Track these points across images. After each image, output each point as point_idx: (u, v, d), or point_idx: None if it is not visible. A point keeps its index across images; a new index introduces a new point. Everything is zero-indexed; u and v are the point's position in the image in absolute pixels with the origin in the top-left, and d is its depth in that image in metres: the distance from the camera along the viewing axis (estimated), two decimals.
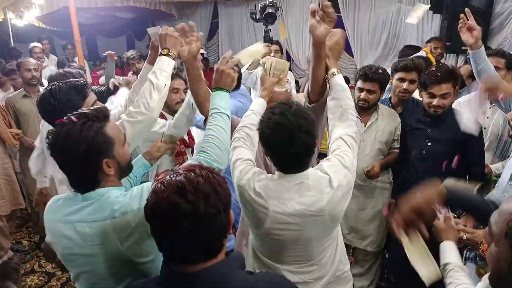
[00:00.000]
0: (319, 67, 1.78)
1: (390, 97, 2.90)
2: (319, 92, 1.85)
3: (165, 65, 1.73)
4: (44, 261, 3.56)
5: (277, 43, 3.87)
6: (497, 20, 4.38)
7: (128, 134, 1.61)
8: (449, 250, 1.47)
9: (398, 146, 2.65)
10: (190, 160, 1.45)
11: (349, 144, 1.62)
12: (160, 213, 0.98)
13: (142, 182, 1.52)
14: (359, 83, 2.54)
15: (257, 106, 1.84)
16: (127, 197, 1.27)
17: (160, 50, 1.77)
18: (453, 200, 1.40)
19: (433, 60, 3.60)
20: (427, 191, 1.39)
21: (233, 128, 1.72)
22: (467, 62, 3.16)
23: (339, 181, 1.52)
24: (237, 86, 2.88)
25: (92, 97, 1.88)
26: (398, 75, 2.74)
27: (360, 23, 5.96)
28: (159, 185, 1.01)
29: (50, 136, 1.27)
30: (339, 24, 6.26)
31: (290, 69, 2.32)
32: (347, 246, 2.80)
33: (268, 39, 2.96)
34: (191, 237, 0.98)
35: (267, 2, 2.48)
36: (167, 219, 0.98)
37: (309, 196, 1.49)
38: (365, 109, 2.59)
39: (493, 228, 0.95)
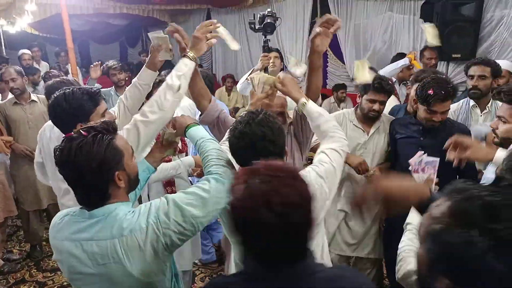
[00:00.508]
0: (318, 75, 1.99)
1: (406, 105, 2.95)
2: (315, 99, 1.94)
3: (182, 66, 1.74)
4: (35, 270, 3.52)
5: (277, 50, 3.87)
6: (486, 29, 4.45)
7: (142, 135, 1.65)
8: (413, 211, 1.43)
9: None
10: (198, 184, 1.43)
11: (329, 156, 1.64)
12: (247, 226, 0.97)
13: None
14: (372, 95, 2.50)
15: None
16: (135, 215, 1.26)
17: (183, 53, 1.79)
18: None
19: (418, 66, 3.65)
20: (413, 185, 1.35)
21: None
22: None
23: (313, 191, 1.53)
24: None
25: (103, 105, 1.87)
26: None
27: (352, 31, 6.02)
28: (244, 193, 0.96)
29: (58, 152, 1.25)
30: None
31: None
32: (346, 258, 2.83)
33: (267, 49, 2.98)
34: (280, 246, 0.97)
35: (266, 12, 2.48)
36: (255, 233, 0.96)
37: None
38: (373, 119, 2.61)
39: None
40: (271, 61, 3.51)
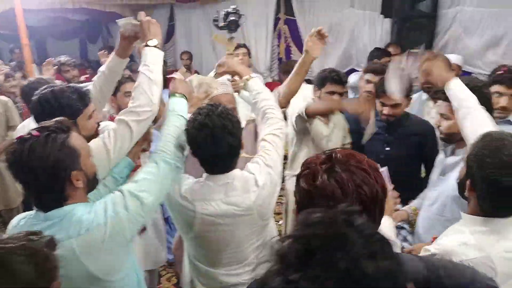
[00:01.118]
0: (303, 77, 2.15)
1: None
2: (286, 102, 2.16)
3: (155, 58, 1.69)
4: None
5: (244, 46, 3.85)
6: (442, 24, 4.63)
7: (135, 134, 1.60)
8: (383, 225, 1.49)
9: (349, 141, 2.75)
10: (149, 161, 1.44)
11: (271, 142, 1.70)
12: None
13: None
14: (331, 87, 2.56)
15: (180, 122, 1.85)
16: (92, 213, 1.24)
17: (145, 41, 1.73)
18: None
19: None
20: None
21: None
22: None
23: (264, 180, 1.58)
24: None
25: (91, 106, 1.76)
26: (366, 77, 2.84)
27: (315, 27, 6.09)
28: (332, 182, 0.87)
29: (10, 154, 1.19)
30: (295, 27, 6.38)
31: None
32: None
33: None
34: None
35: (230, 10, 2.47)
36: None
37: (235, 196, 1.54)
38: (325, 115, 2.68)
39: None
40: (239, 57, 3.52)
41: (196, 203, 1.53)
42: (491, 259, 1.19)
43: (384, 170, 1.68)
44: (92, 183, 1.35)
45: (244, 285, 1.64)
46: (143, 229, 2.27)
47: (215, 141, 1.46)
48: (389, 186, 1.64)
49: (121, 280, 1.31)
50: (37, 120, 1.77)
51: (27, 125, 2.22)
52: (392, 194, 1.64)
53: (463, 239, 1.24)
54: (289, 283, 0.57)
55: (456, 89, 1.66)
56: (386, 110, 2.34)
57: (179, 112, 1.59)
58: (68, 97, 1.66)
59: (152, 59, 1.68)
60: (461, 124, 1.63)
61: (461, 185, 1.38)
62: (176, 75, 1.95)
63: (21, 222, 1.29)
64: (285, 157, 2.30)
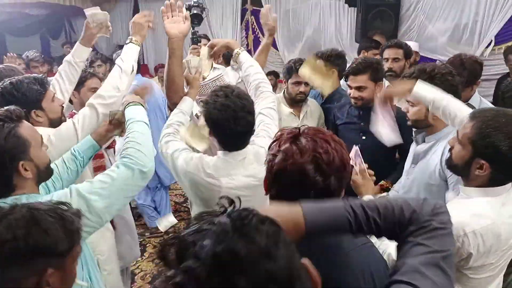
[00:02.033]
0: (266, 57, 2.34)
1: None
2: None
3: (130, 51, 1.93)
4: None
5: (205, 36, 3.79)
6: (405, 12, 4.74)
7: (100, 116, 1.77)
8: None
9: None
10: (113, 166, 1.41)
11: (268, 115, 1.82)
12: (288, 179, 0.97)
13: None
14: (297, 77, 2.57)
15: (185, 105, 1.95)
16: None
17: (129, 38, 1.96)
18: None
19: None
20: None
21: None
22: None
23: None
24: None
25: (51, 90, 1.87)
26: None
27: (282, 17, 6.12)
28: (293, 147, 0.98)
29: None
30: None
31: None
32: None
33: (196, 41, 2.94)
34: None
35: (192, 3, 2.42)
36: (295, 187, 0.97)
37: (252, 169, 1.68)
38: (300, 102, 2.67)
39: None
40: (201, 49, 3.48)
41: (221, 178, 1.65)
42: (498, 226, 1.27)
43: (356, 149, 1.72)
44: (44, 174, 1.32)
45: None
46: (113, 228, 2.26)
47: (237, 120, 1.57)
48: (363, 165, 1.68)
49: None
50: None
51: None
52: (370, 172, 1.70)
53: (473, 210, 1.30)
54: (167, 281, 0.58)
55: (422, 93, 1.68)
56: (353, 93, 2.32)
57: (138, 118, 1.58)
58: (28, 86, 1.74)
59: (127, 54, 1.89)
60: (447, 120, 1.65)
61: (459, 165, 1.40)
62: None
63: None
64: None
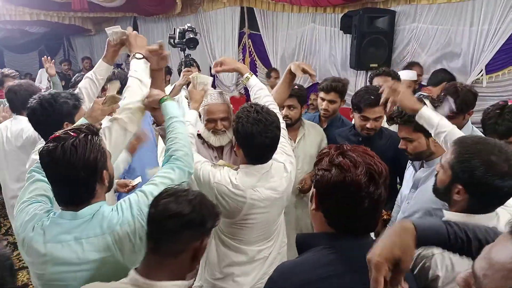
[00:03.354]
0: (288, 92, 2.33)
1: (319, 114, 3.03)
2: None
3: (142, 67, 1.90)
4: None
5: (194, 62, 3.80)
6: (398, 39, 4.83)
7: (129, 129, 1.78)
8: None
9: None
10: (165, 168, 1.52)
11: (282, 135, 1.90)
12: (345, 191, 1.04)
13: None
14: (289, 101, 2.59)
15: (191, 117, 2.03)
16: (119, 211, 1.36)
17: (132, 54, 1.94)
18: (425, 238, 1.02)
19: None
20: (401, 238, 0.99)
21: None
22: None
23: (290, 167, 1.89)
24: None
25: (83, 108, 1.99)
26: (320, 95, 2.90)
27: (279, 41, 6.22)
28: (347, 161, 1.05)
29: (49, 152, 1.27)
30: (259, 42, 6.48)
31: (214, 85, 2.42)
32: None
33: (189, 64, 2.97)
34: (372, 214, 1.07)
35: (186, 27, 2.47)
36: (352, 197, 1.04)
37: (273, 182, 1.80)
38: (290, 125, 2.66)
39: (482, 281, 0.70)
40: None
41: (247, 190, 1.75)
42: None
43: None
44: (111, 183, 1.45)
45: (265, 259, 1.93)
46: None
47: (267, 134, 1.69)
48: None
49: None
50: (38, 127, 1.94)
51: (9, 126, 2.39)
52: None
53: None
54: None
55: (427, 116, 1.72)
56: (370, 124, 2.36)
57: (181, 118, 1.70)
58: (65, 98, 1.90)
59: (140, 67, 1.91)
60: (446, 145, 1.67)
61: (441, 189, 1.43)
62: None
63: (44, 221, 1.32)
64: None
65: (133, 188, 2.56)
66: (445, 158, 1.40)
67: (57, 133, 1.32)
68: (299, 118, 2.69)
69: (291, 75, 2.24)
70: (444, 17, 4.41)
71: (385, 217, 2.17)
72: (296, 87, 2.65)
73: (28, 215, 1.36)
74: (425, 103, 1.79)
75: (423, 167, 1.97)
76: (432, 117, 1.70)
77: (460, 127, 2.39)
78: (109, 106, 1.83)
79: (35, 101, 1.89)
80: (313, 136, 2.75)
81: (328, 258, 1.05)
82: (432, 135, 1.74)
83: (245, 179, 1.76)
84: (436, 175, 1.48)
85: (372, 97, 2.33)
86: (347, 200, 1.05)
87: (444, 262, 1.24)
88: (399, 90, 1.79)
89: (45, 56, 4.54)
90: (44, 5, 7.24)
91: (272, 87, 3.84)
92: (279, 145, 1.85)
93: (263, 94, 2.10)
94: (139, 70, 1.88)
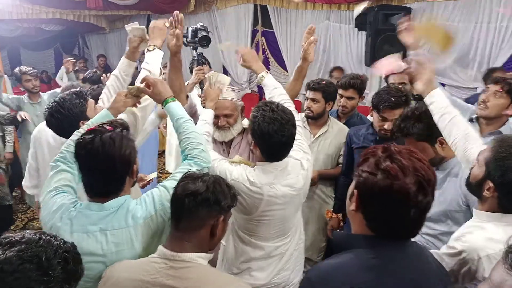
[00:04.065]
0: (301, 83, 2.28)
1: (337, 110, 3.06)
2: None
3: (155, 57, 1.99)
4: None
5: (206, 59, 3.81)
6: None
7: (139, 119, 1.91)
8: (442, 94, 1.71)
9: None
10: (183, 165, 1.56)
11: (298, 132, 1.88)
12: (391, 198, 0.99)
13: None
14: (306, 93, 2.72)
15: (207, 116, 2.03)
16: (143, 205, 1.40)
17: (147, 46, 1.99)
18: None
19: None
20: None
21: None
22: None
23: (307, 164, 1.89)
24: None
25: (91, 100, 2.03)
26: (338, 91, 2.91)
27: (293, 39, 6.20)
28: (395, 166, 1.00)
29: (87, 143, 1.32)
30: (273, 39, 6.46)
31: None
32: None
33: (201, 62, 2.99)
34: (417, 221, 1.03)
35: (198, 26, 2.49)
36: (398, 205, 0.99)
37: (290, 179, 1.81)
38: (312, 118, 2.70)
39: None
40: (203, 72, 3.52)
41: (264, 187, 1.76)
42: None
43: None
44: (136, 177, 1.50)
45: (282, 255, 1.94)
46: None
47: (283, 132, 1.70)
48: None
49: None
50: (56, 129, 1.99)
51: (43, 128, 2.43)
52: None
53: (488, 234, 1.30)
54: None
55: (439, 98, 1.72)
56: (388, 125, 2.33)
57: (186, 117, 1.70)
58: (70, 100, 1.93)
59: (151, 59, 1.96)
60: (447, 130, 1.68)
61: (473, 184, 1.43)
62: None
63: (71, 212, 1.37)
64: None
65: (148, 183, 2.58)
66: (483, 153, 1.41)
67: (93, 127, 1.39)
68: (323, 113, 2.71)
69: (302, 62, 2.26)
70: (461, 14, 4.35)
71: None
72: (324, 82, 2.69)
73: (56, 205, 1.40)
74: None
75: (438, 169, 1.93)
76: (443, 101, 1.71)
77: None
78: (133, 97, 1.85)
79: (46, 113, 1.94)
80: (334, 136, 2.75)
81: (370, 263, 1.01)
82: (436, 119, 1.72)
83: (262, 176, 1.78)
84: (471, 169, 1.48)
85: (393, 99, 2.30)
86: (392, 208, 1.00)
87: (490, 266, 1.23)
88: (427, 67, 1.79)
89: (66, 58, 4.63)
90: (60, 3, 7.33)
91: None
92: (295, 142, 1.85)
93: (277, 93, 2.09)
94: (150, 62, 1.93)
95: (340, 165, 2.77)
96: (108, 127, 1.37)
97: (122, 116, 1.83)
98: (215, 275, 1.27)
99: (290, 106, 2.01)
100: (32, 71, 4.14)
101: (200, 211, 1.26)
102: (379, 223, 1.05)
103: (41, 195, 1.50)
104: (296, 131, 1.84)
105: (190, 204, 1.25)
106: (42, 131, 2.47)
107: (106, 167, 1.34)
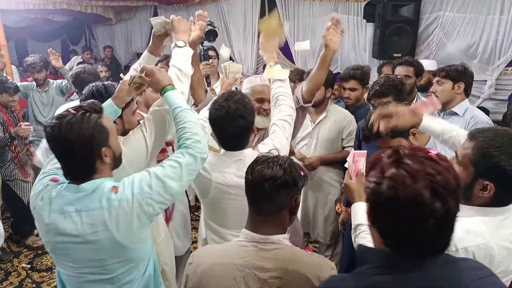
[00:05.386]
0: (325, 72, 2.19)
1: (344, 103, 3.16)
2: (311, 95, 2.21)
3: (183, 55, 1.90)
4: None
5: (213, 48, 3.78)
6: (424, 28, 4.71)
7: (168, 118, 1.82)
8: (360, 211, 1.52)
9: (351, 145, 2.76)
10: (176, 153, 1.56)
11: (280, 126, 1.92)
12: (401, 209, 0.87)
13: None
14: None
15: None
16: (121, 187, 1.39)
17: (176, 41, 1.92)
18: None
19: None
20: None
21: None
22: None
23: None
24: None
25: (134, 104, 1.96)
26: (342, 84, 3.02)
27: (300, 30, 6.14)
28: (401, 172, 0.88)
29: (49, 128, 1.34)
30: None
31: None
32: (306, 234, 2.94)
33: (207, 57, 2.98)
34: (439, 234, 0.90)
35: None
36: (410, 216, 0.87)
37: (244, 172, 1.73)
38: (313, 106, 2.68)
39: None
40: (210, 61, 3.51)
41: (212, 173, 1.79)
42: (492, 246, 1.23)
43: (356, 153, 1.68)
44: (118, 161, 1.50)
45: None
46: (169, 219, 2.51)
47: (228, 121, 1.71)
48: (363, 170, 1.61)
49: (142, 249, 1.48)
50: None
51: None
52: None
53: (467, 227, 1.26)
54: None
55: (429, 126, 1.72)
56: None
57: (183, 106, 1.67)
58: (113, 86, 1.90)
59: (180, 55, 1.89)
60: (456, 147, 1.62)
61: (462, 189, 1.38)
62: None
63: (52, 192, 1.40)
64: None
65: None
66: (463, 153, 1.34)
67: (63, 112, 1.39)
68: (323, 99, 2.75)
69: (325, 50, 2.12)
70: (472, 5, 4.28)
71: None
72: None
73: (42, 185, 1.45)
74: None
75: None
76: (435, 127, 1.71)
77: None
78: (135, 86, 1.80)
79: (88, 90, 1.93)
80: (333, 121, 2.77)
81: (374, 280, 0.94)
82: (439, 141, 1.73)
83: (214, 163, 1.80)
84: None
85: (378, 88, 2.40)
86: (403, 220, 0.88)
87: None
88: (391, 112, 1.71)
89: (50, 49, 4.58)
90: None
91: None
92: (271, 137, 1.87)
93: (276, 86, 2.07)
94: (179, 59, 1.87)
95: (346, 149, 2.77)
96: (73, 111, 1.36)
97: (146, 121, 1.80)
98: (303, 255, 1.34)
99: (285, 99, 2.00)
100: (35, 65, 4.16)
101: (281, 195, 1.32)
102: (392, 239, 0.94)
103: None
104: (279, 126, 1.89)
105: (270, 189, 1.30)
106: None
107: (67, 152, 1.36)
